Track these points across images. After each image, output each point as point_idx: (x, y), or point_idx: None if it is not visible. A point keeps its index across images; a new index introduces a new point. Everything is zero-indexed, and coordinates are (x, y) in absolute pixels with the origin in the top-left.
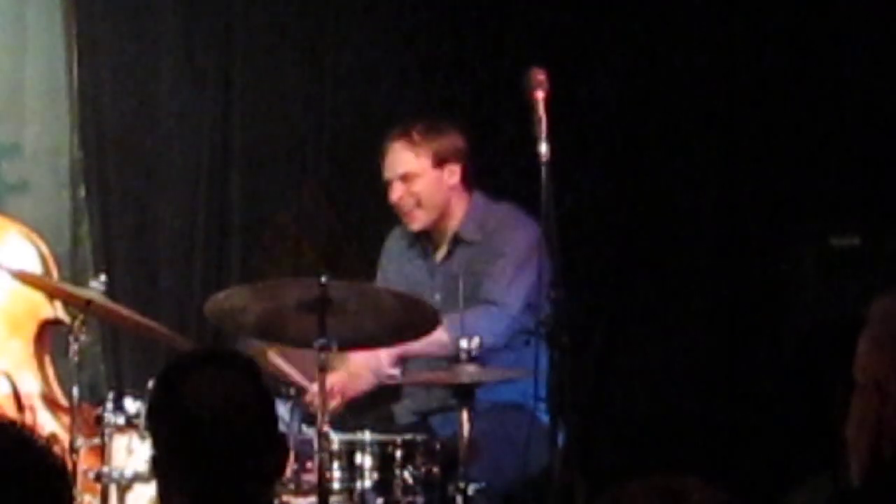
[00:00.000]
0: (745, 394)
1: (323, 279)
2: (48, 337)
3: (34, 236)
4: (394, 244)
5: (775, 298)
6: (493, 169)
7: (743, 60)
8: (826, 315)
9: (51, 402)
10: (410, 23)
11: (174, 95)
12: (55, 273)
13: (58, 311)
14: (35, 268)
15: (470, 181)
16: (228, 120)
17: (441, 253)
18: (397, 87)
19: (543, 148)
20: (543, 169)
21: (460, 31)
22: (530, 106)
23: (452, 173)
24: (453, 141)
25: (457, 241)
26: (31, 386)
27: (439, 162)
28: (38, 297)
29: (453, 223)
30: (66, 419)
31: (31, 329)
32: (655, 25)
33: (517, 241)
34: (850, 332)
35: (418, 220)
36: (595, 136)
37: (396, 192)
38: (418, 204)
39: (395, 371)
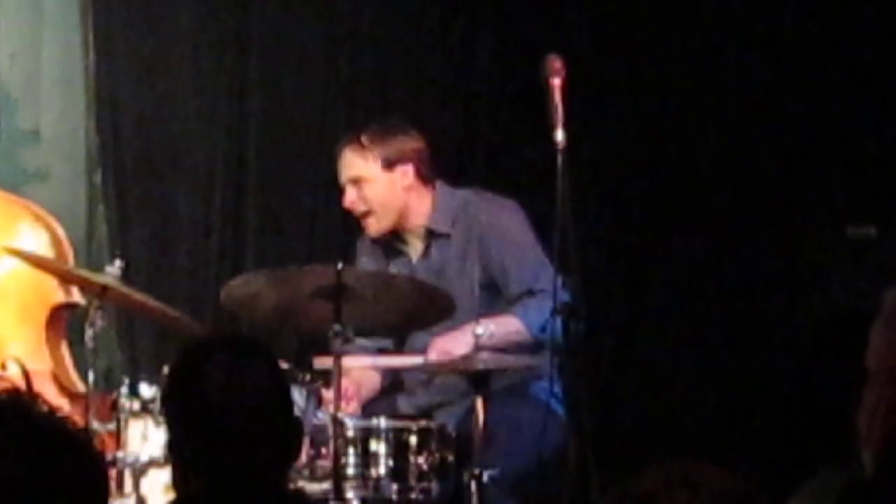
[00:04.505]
0: (761, 383)
1: (339, 266)
2: (62, 322)
3: (49, 220)
4: (366, 249)
5: (791, 288)
6: (509, 157)
7: (761, 50)
8: (842, 305)
9: (64, 389)
10: (426, 7)
11: (190, 81)
12: (70, 257)
13: (74, 294)
14: (47, 253)
15: (429, 175)
16: (245, 105)
17: (417, 251)
18: (412, 73)
19: (560, 135)
20: (559, 156)
21: (477, 18)
22: (547, 93)
23: (404, 174)
24: (403, 142)
25: (430, 235)
26: (43, 372)
27: (389, 165)
28: (49, 282)
29: (420, 220)
30: (80, 405)
31: (43, 314)
32: (674, 11)
33: (511, 223)
34: (865, 322)
35: (373, 227)
36: (612, 123)
37: (349, 197)
38: (371, 209)
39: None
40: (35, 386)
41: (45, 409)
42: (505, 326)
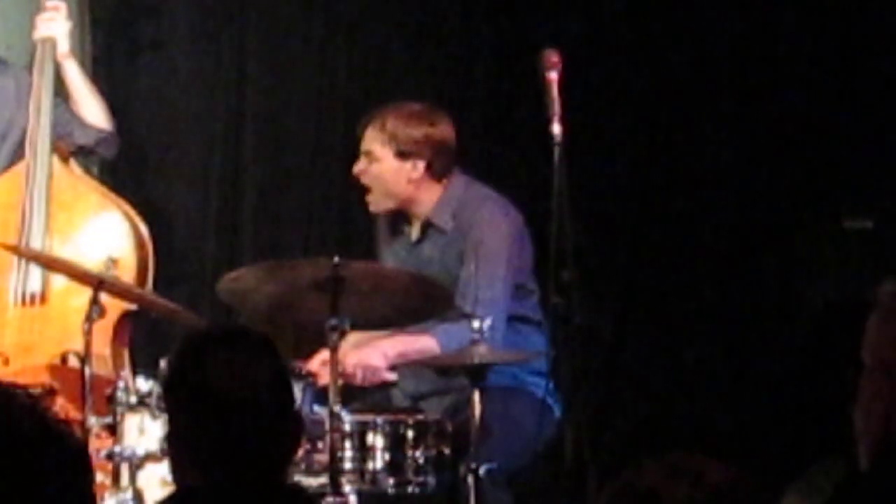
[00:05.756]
0: (758, 376)
1: (336, 259)
2: (127, 329)
3: (138, 222)
4: (382, 218)
5: (789, 281)
6: (506, 150)
7: (758, 43)
8: (838, 298)
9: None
10: (423, 0)
11: (187, 70)
12: (150, 263)
13: None
14: (126, 249)
15: (443, 170)
16: (241, 96)
17: (415, 233)
18: (411, 61)
19: (556, 129)
20: (556, 150)
21: (474, 11)
22: (544, 87)
23: (415, 168)
24: (426, 134)
25: (429, 225)
26: (101, 373)
27: (403, 155)
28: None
29: (423, 209)
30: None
31: (112, 317)
32: (670, 4)
33: (487, 241)
34: (862, 314)
35: (372, 203)
36: (608, 117)
37: (359, 166)
38: (372, 185)
39: (392, 376)
40: (92, 384)
41: (26, 400)
42: (420, 346)
